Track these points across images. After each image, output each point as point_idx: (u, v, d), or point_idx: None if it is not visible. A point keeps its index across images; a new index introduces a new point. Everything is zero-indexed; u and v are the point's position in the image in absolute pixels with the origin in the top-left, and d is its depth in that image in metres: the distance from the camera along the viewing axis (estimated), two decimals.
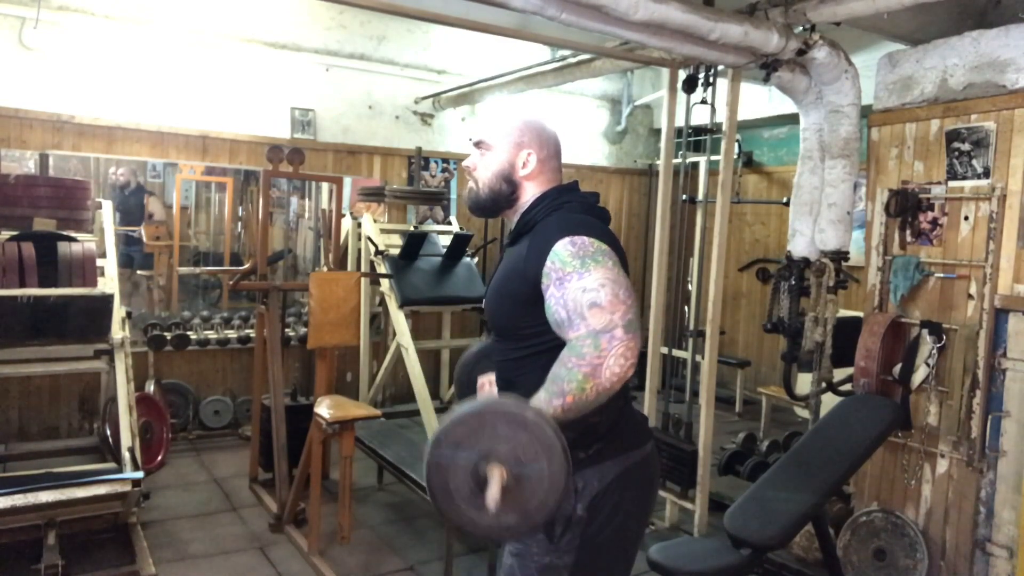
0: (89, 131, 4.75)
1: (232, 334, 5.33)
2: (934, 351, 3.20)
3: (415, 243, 5.11)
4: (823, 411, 3.39)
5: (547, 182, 1.75)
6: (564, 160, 1.82)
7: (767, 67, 3.21)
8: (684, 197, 5.85)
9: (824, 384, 3.43)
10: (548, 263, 1.54)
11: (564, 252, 1.53)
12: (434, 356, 5.92)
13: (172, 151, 5.05)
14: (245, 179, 5.57)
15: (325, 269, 5.27)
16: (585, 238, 1.55)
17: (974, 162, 3.12)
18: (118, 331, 3.59)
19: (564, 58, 5.01)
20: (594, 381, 1.40)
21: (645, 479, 1.71)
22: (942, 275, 3.23)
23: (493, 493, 1.33)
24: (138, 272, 5.26)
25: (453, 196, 6.17)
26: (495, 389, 1.79)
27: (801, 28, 3.20)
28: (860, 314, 3.61)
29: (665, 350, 5.71)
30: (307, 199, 5.96)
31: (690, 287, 5.32)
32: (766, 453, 4.25)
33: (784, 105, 4.86)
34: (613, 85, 7.07)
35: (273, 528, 3.74)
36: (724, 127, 3.71)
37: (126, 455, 3.24)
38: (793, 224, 3.47)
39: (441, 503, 1.41)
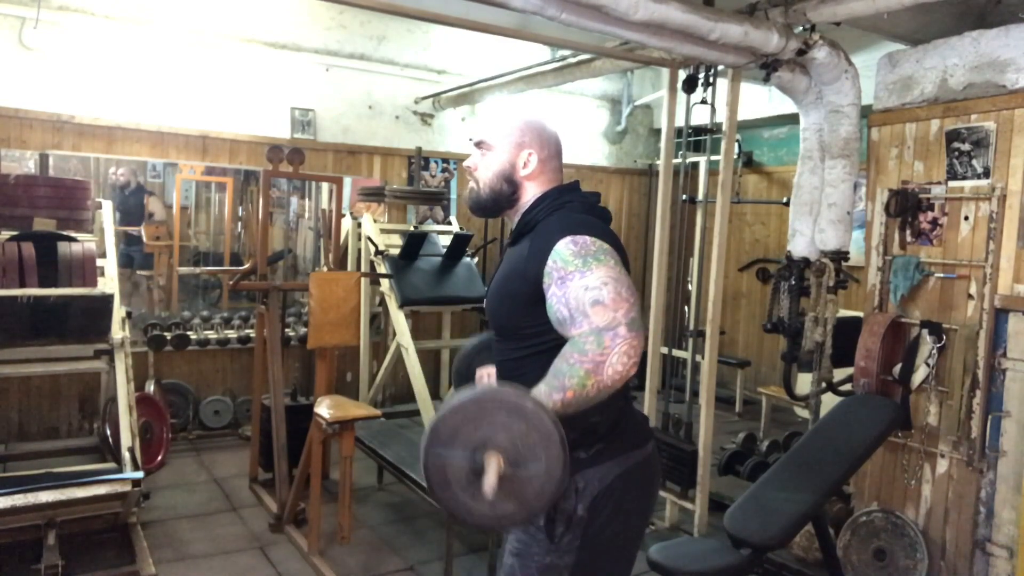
0: (89, 131, 4.75)
1: (232, 334, 5.33)
2: (934, 351, 3.20)
3: (415, 243, 5.11)
4: (823, 411, 3.39)
5: (548, 182, 1.74)
6: (564, 160, 1.82)
7: (767, 67, 3.21)
8: (684, 197, 5.85)
9: (824, 384, 3.43)
10: (550, 262, 1.54)
11: (566, 251, 1.53)
12: (434, 356, 5.92)
13: (172, 151, 5.06)
14: (245, 179, 5.56)
15: (325, 269, 5.27)
16: (587, 237, 1.54)
17: (974, 162, 3.12)
18: (118, 331, 3.59)
19: (564, 58, 5.01)
20: (596, 378, 1.40)
21: (646, 479, 1.70)
22: (942, 275, 3.23)
23: (490, 480, 1.33)
24: (138, 272, 5.26)
25: (453, 196, 6.17)
26: (494, 381, 1.79)
27: (801, 28, 3.20)
28: (860, 314, 3.61)
29: (665, 350, 5.71)
30: (307, 199, 5.96)
31: (690, 287, 5.32)
32: (766, 453, 4.25)
33: (784, 105, 4.87)
34: (613, 85, 7.07)
35: (273, 528, 3.74)
36: (724, 127, 3.71)
37: (126, 455, 3.24)
38: (793, 224, 3.46)
39: (437, 490, 1.40)
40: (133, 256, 5.21)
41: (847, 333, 3.37)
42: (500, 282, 1.72)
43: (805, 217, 3.41)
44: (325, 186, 5.67)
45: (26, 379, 4.56)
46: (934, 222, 3.28)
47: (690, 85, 3.77)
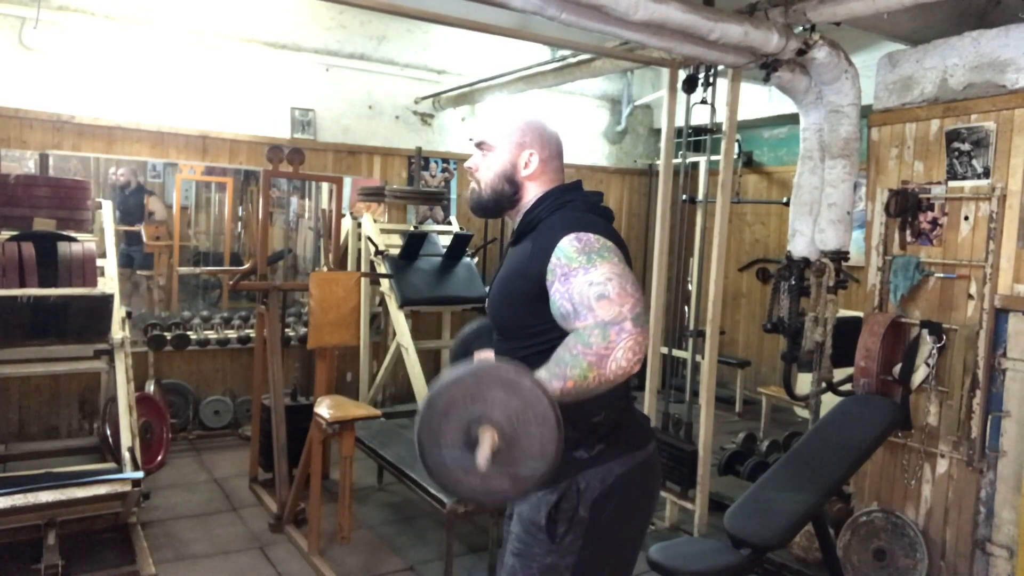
0: (89, 131, 4.75)
1: (232, 334, 5.33)
2: (934, 351, 3.20)
3: (415, 243, 5.11)
4: (823, 411, 3.39)
5: (549, 182, 1.75)
6: (564, 161, 1.82)
7: (767, 67, 3.21)
8: (684, 197, 5.85)
9: (824, 384, 3.43)
10: (553, 259, 1.53)
11: (569, 248, 1.52)
12: (434, 356, 5.92)
13: (172, 151, 5.06)
14: (245, 179, 5.56)
15: (325, 269, 5.27)
16: (590, 235, 1.54)
17: (974, 162, 3.12)
18: (118, 331, 3.59)
19: (564, 58, 5.01)
20: (598, 371, 1.39)
21: (647, 480, 1.70)
22: (942, 275, 3.23)
23: (484, 453, 1.32)
24: (138, 272, 5.26)
25: (453, 196, 6.17)
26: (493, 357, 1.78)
27: (801, 28, 3.20)
28: (860, 314, 3.61)
29: (665, 350, 5.71)
30: (307, 199, 5.96)
31: (690, 287, 5.32)
32: (766, 453, 4.25)
33: (784, 105, 4.87)
34: (613, 85, 7.07)
35: (273, 528, 3.74)
36: (724, 127, 3.71)
37: (126, 455, 3.24)
38: (793, 224, 3.47)
39: (429, 461, 1.39)
40: (133, 256, 5.21)
41: (847, 333, 3.37)
42: (502, 281, 1.71)
43: (805, 217, 3.41)
44: (325, 186, 5.67)
45: (26, 379, 4.56)
46: (934, 222, 3.28)
47: (690, 85, 3.77)
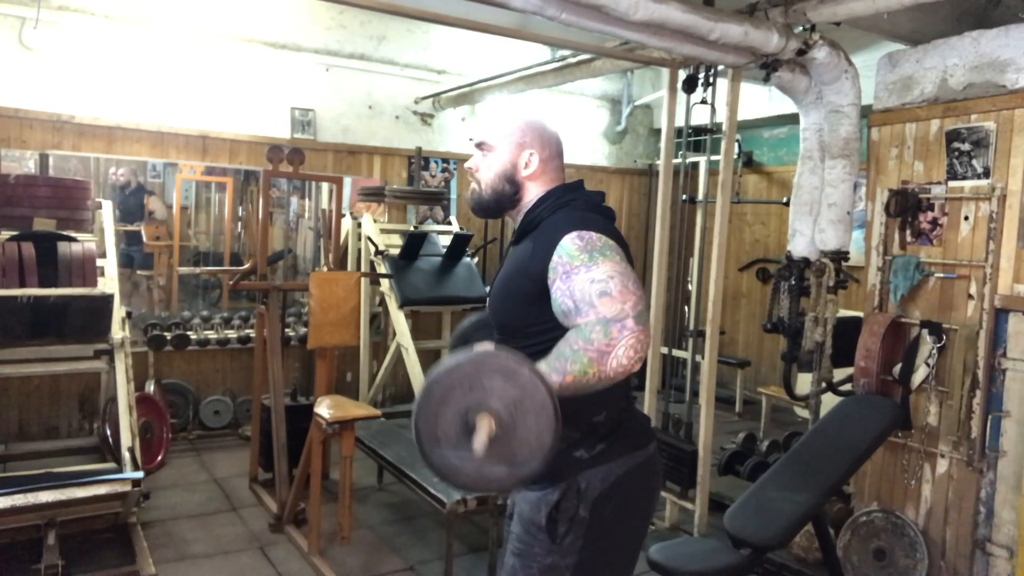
0: (89, 131, 4.75)
1: (232, 334, 5.33)
2: (934, 351, 3.20)
3: (415, 243, 5.11)
4: (823, 411, 3.39)
5: (550, 182, 1.75)
6: (564, 161, 1.82)
7: (767, 67, 3.21)
8: (684, 197, 5.85)
9: (824, 384, 3.43)
10: (555, 257, 1.53)
11: (571, 246, 1.52)
12: (434, 356, 5.91)
13: (172, 151, 5.06)
14: (245, 179, 5.56)
15: (325, 269, 5.27)
16: (592, 233, 1.54)
17: (974, 162, 3.12)
18: (118, 331, 3.59)
19: (564, 58, 5.01)
20: (598, 367, 1.39)
21: (648, 480, 1.70)
22: (942, 275, 3.23)
23: (480, 439, 1.32)
24: (138, 272, 5.26)
25: (453, 196, 6.17)
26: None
27: (801, 28, 3.20)
28: (860, 314, 3.61)
29: (665, 350, 5.71)
30: (307, 199, 5.96)
31: (690, 287, 5.32)
32: (766, 453, 4.25)
33: (784, 105, 4.87)
34: (613, 85, 7.07)
35: (273, 528, 3.74)
36: (724, 127, 3.71)
37: (126, 455, 3.24)
38: (793, 224, 3.47)
39: (426, 446, 1.39)
40: (133, 256, 5.21)
41: (847, 333, 3.37)
42: (504, 281, 1.71)
43: (805, 217, 3.41)
44: (325, 186, 5.67)
45: (26, 379, 4.56)
46: (934, 222, 3.28)
47: (690, 85, 3.77)
